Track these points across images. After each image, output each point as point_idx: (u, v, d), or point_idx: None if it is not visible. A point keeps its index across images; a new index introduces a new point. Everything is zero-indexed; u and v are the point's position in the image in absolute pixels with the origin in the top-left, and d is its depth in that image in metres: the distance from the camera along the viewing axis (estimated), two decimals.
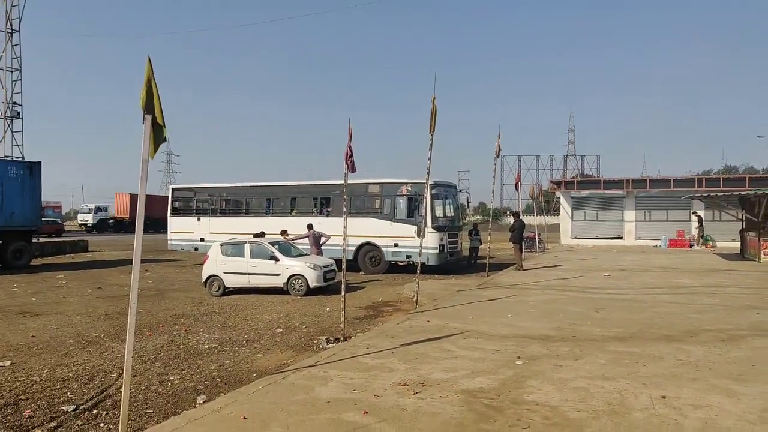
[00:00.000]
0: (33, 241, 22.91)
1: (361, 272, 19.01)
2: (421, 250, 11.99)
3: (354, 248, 18.83)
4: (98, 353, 8.37)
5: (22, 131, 48.53)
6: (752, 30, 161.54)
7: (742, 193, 22.50)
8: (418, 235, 14.78)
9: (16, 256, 21.53)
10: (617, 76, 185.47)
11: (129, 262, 4.83)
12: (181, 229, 23.18)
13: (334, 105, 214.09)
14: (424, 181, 12.04)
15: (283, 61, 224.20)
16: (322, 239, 16.58)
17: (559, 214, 36.23)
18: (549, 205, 56.79)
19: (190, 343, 9.00)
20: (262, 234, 16.36)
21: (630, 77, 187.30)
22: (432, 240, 17.98)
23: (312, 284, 13.92)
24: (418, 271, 11.87)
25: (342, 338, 8.54)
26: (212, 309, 12.20)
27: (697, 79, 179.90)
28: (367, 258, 19.25)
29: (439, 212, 19.34)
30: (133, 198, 56.61)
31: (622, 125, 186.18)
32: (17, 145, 48.11)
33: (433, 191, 18.42)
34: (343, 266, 9.31)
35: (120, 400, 4.84)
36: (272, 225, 18.79)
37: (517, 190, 23.84)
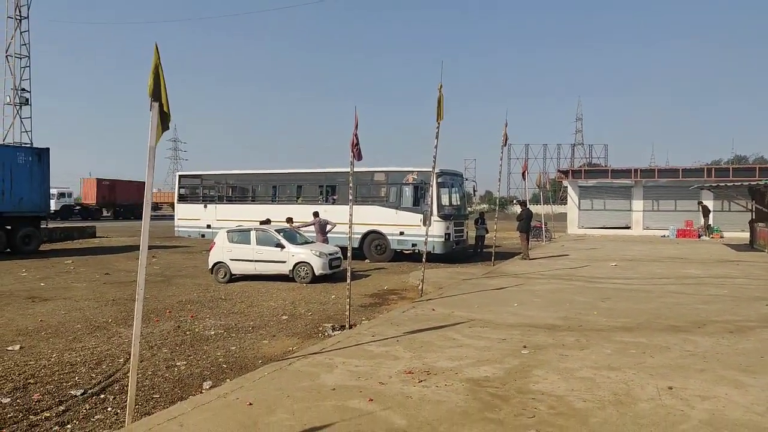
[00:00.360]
0: (42, 226, 23.05)
1: (367, 260, 19.05)
2: (426, 239, 11.94)
3: (360, 236, 18.84)
4: (106, 338, 8.43)
5: (30, 117, 48.74)
6: (763, 21, 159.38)
7: (752, 183, 22.31)
8: (424, 224, 14.67)
9: (25, 242, 21.68)
10: (626, 65, 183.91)
11: (136, 248, 4.86)
12: (188, 216, 23.27)
13: (340, 94, 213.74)
14: (431, 170, 11.98)
15: (288, 50, 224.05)
16: (328, 227, 16.64)
17: (566, 204, 36.08)
18: (556, 195, 56.58)
19: (197, 329, 9.06)
20: (268, 221, 16.42)
21: (639, 67, 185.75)
22: (438, 228, 17.98)
23: (317, 272, 13.97)
24: (423, 260, 11.85)
25: (347, 326, 8.57)
26: (218, 295, 12.27)
27: (706, 69, 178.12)
28: (372, 246, 19.28)
29: (445, 201, 19.32)
30: (101, 184, 55.25)
31: (631, 114, 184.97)
32: (26, 132, 48.35)
33: (440, 180, 18.38)
34: (349, 254, 9.31)
35: (127, 385, 4.88)
36: (278, 212, 18.86)
37: (524, 179, 23.75)
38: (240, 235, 14.80)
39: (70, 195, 56.52)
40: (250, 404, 4.91)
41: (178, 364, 7.13)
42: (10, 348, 7.80)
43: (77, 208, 55.41)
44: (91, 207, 55.13)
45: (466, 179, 22.20)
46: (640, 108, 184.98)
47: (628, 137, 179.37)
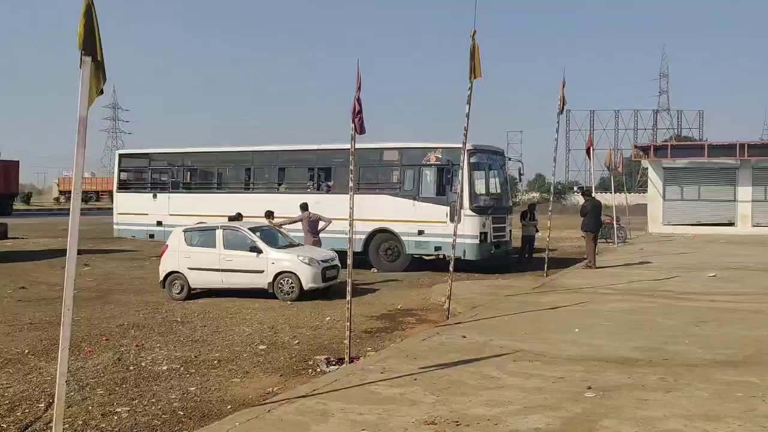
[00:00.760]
0: None
1: (373, 269, 19.06)
2: (455, 240, 11.76)
3: (364, 237, 18.81)
4: (21, 375, 8.42)
5: None
6: None
7: None
8: (452, 220, 14.62)
9: None
10: (725, 5, 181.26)
11: (61, 253, 4.84)
12: (132, 210, 23.24)
13: (337, 50, 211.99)
14: (460, 146, 11.87)
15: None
16: (321, 224, 16.59)
17: (646, 192, 35.79)
18: (632, 179, 56.20)
19: (144, 363, 9.01)
20: (239, 217, 16.38)
21: (743, 7, 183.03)
22: (471, 226, 17.79)
23: (306, 285, 13.92)
24: (451, 269, 11.64)
25: (347, 359, 8.50)
26: (173, 317, 12.23)
27: None
28: (381, 250, 19.24)
29: (480, 188, 19.17)
30: None
31: (734, 70, 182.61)
32: None
33: (473, 159, 18.20)
34: (349, 261, 9.14)
35: None
36: (253, 205, 18.68)
37: (588, 157, 23.53)
38: (202, 236, 14.78)
39: None
40: None
41: (118, 410, 7.11)
42: None
43: None
44: None
45: (509, 158, 22.07)
46: (748, 61, 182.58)
47: (731, 101, 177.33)
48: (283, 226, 16.45)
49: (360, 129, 8.93)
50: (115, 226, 23.93)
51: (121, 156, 25.22)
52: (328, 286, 14.44)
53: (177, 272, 14.47)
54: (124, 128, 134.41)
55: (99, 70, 4.81)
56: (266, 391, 7.73)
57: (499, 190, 20.43)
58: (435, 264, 19.14)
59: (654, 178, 33.12)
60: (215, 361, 9.16)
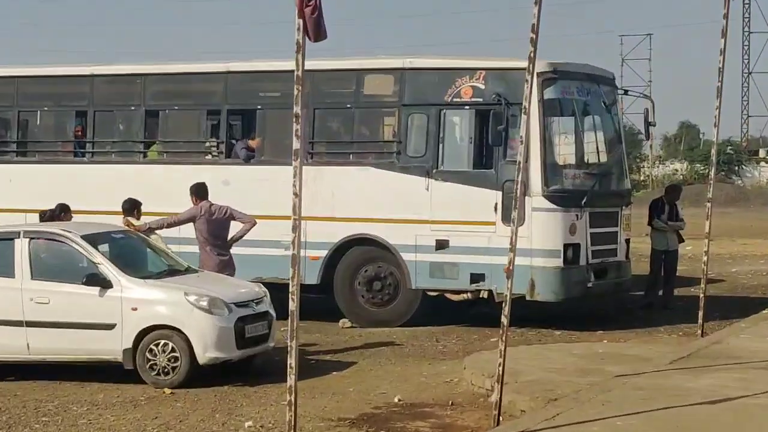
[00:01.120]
0: None
1: (344, 321, 12.14)
2: (513, 261, 6.20)
3: (325, 254, 11.83)
4: None
5: None
6: None
7: None
8: (506, 220, 8.79)
9: None
10: None
11: None
12: None
13: None
14: (523, 66, 6.36)
15: None
16: (234, 228, 10.34)
17: None
18: None
19: None
20: (62, 212, 10.45)
21: None
22: (546, 231, 10.99)
23: (206, 353, 8.62)
24: (505, 320, 6.45)
25: None
26: None
27: None
28: (360, 281, 11.97)
29: (565, 152, 12.00)
30: None
31: None
32: None
33: (550, 93, 11.02)
34: (292, 305, 5.09)
35: None
36: (93, 187, 11.98)
37: None
38: None
39: None
40: None
41: None
42: None
43: None
44: None
45: (626, 92, 14.88)
46: None
47: None
48: (158, 232, 10.44)
49: (315, 30, 5.21)
50: None
51: None
52: (248, 357, 9.12)
53: None
54: None
55: None
56: None
57: (605, 159, 12.52)
58: (470, 310, 12.30)
59: None
60: None
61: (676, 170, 45.08)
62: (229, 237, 10.05)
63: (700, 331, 10.34)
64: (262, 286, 9.44)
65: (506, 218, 9.13)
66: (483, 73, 11.09)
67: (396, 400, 8.01)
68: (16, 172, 13.06)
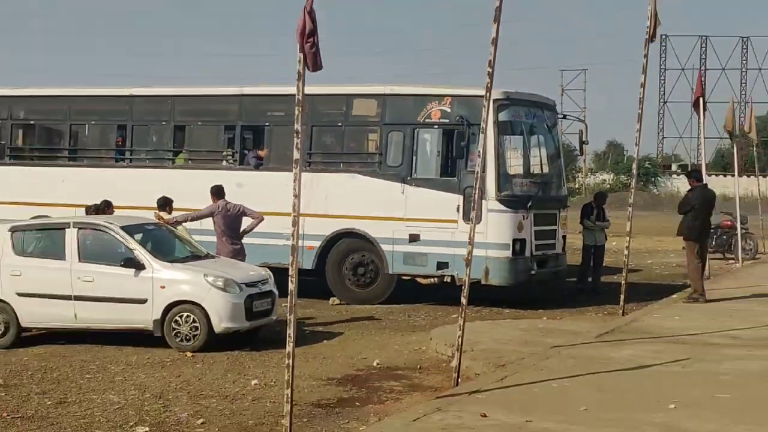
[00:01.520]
0: None
1: (333, 299, 12.59)
2: (471, 252, 6.75)
3: (318, 244, 12.25)
4: None
5: None
6: None
7: None
8: (467, 219, 9.19)
9: None
10: None
11: None
12: None
13: None
14: (482, 93, 6.85)
15: None
16: (245, 222, 10.82)
17: None
18: None
19: None
20: (104, 207, 10.88)
21: None
22: (499, 228, 11.41)
23: (220, 325, 9.01)
24: (463, 300, 6.93)
25: None
26: None
27: None
28: (347, 267, 12.31)
29: (515, 164, 12.43)
30: None
31: None
32: None
33: (504, 116, 11.67)
34: (291, 285, 5.24)
35: None
36: (130, 188, 12.35)
37: (698, 114, 15.23)
38: (42, 240, 10.07)
39: None
40: None
41: None
42: None
43: None
44: None
45: (564, 116, 15.30)
46: None
47: None
48: (183, 225, 10.83)
49: (313, 62, 5.58)
50: None
51: None
52: (255, 328, 9.49)
53: None
54: None
55: None
56: None
57: (547, 170, 13.24)
58: (436, 292, 12.78)
59: None
60: None
61: (604, 180, 51.17)
62: (241, 229, 10.53)
63: (621, 311, 10.94)
64: (267, 269, 9.85)
65: (466, 217, 9.62)
66: (449, 99, 11.83)
67: (375, 363, 8.46)
68: (68, 174, 13.73)
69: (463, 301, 6.78)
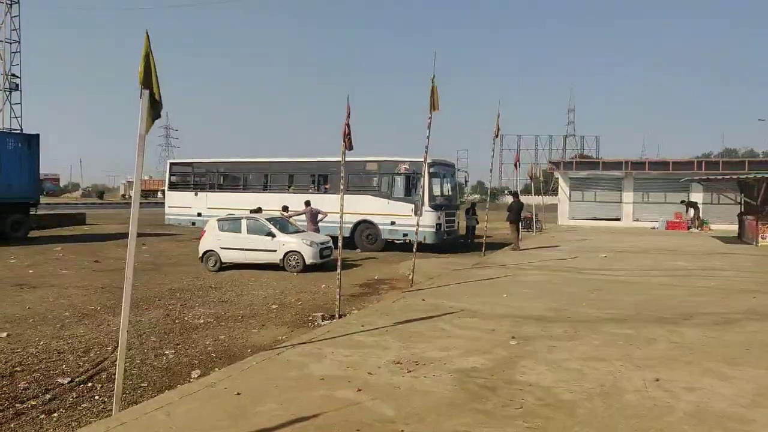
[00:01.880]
0: (31, 213, 22.85)
1: (358, 249, 18.99)
2: (418, 229, 11.92)
3: (351, 225, 18.77)
4: (94, 326, 8.38)
5: (20, 103, 48.21)
6: (757, 11, 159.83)
7: (741, 176, 22.43)
8: (416, 214, 14.45)
9: (13, 228, 21.49)
10: (619, 55, 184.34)
11: (126, 235, 4.83)
12: (179, 204, 23.10)
13: (334, 81, 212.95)
14: (423, 160, 11.96)
15: (285, 32, 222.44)
16: (319, 216, 16.55)
17: (557, 195, 36.14)
18: (547, 186, 56.52)
19: (186, 318, 9.01)
20: (259, 210, 16.29)
21: (632, 57, 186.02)
22: (429, 219, 17.98)
23: (308, 261, 13.89)
24: (414, 250, 11.79)
25: (337, 315, 8.54)
26: (208, 284, 12.19)
27: (698, 62, 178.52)
28: (363, 235, 19.22)
29: (436, 191, 19.28)
30: None
31: (623, 106, 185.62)
32: (15, 117, 47.82)
33: (432, 170, 18.34)
34: (339, 243, 9.28)
35: (115, 374, 4.84)
36: (270, 201, 18.76)
37: (515, 169, 23.76)
38: (231, 224, 14.66)
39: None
40: (239, 394, 4.89)
41: (166, 352, 7.10)
42: None
43: None
44: None
45: (458, 169, 22.25)
46: (632, 100, 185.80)
47: (619, 129, 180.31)
48: (292, 217, 16.39)
49: (349, 146, 9.04)
50: (166, 216, 23.75)
51: (171, 164, 25.02)
52: (323, 262, 14.36)
53: (212, 251, 14.38)
54: (174, 143, 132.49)
55: (156, 102, 4.76)
56: (277, 338, 7.74)
57: (450, 193, 20.50)
58: (403, 246, 19.05)
59: (563, 185, 33.48)
60: (239, 317, 9.15)
61: (475, 197, 67.25)
62: (317, 219, 16.50)
63: (483, 255, 17.02)
64: (329, 236, 15.03)
65: (416, 213, 14.62)
66: (408, 162, 18.31)
67: (375, 277, 13.08)
68: (242, 195, 21.17)
69: (414, 250, 11.41)
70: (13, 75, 47.55)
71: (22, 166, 21.03)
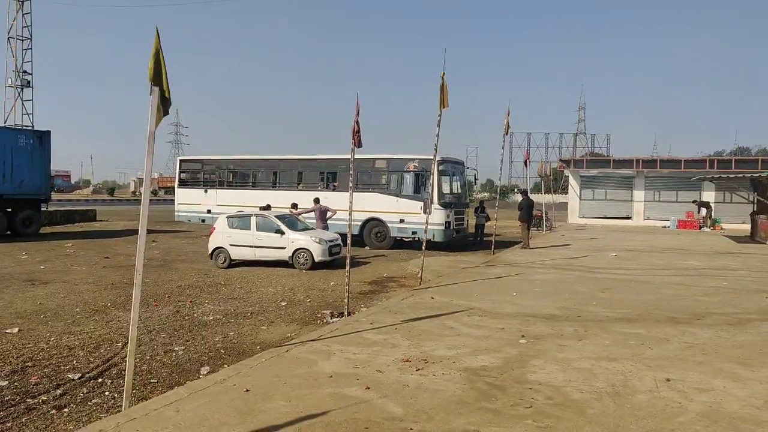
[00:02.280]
0: (42, 209, 23.03)
1: (367, 247, 19.00)
2: (426, 227, 11.91)
3: (360, 223, 18.78)
4: (104, 322, 8.43)
5: (32, 100, 48.65)
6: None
7: (754, 175, 22.21)
8: (425, 212, 14.40)
9: (25, 224, 21.67)
10: (631, 53, 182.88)
11: (136, 232, 4.85)
12: (189, 201, 23.23)
13: (344, 77, 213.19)
14: (432, 158, 11.94)
15: (292, 33, 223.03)
16: (328, 213, 16.52)
17: (567, 193, 35.99)
18: (558, 184, 56.43)
19: (195, 314, 9.03)
20: (268, 207, 16.28)
21: (643, 55, 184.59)
22: (438, 217, 17.88)
23: (317, 258, 13.91)
24: (423, 248, 11.78)
25: (346, 313, 8.54)
26: (218, 281, 12.23)
27: (711, 60, 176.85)
28: (372, 233, 19.20)
29: (446, 189, 19.23)
30: None
31: (634, 104, 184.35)
32: (27, 114, 48.26)
33: (441, 168, 18.31)
34: (348, 241, 9.28)
35: (125, 370, 4.87)
36: (279, 198, 18.73)
37: (525, 167, 23.66)
38: (240, 221, 14.69)
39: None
40: (247, 390, 4.90)
41: (176, 349, 7.12)
42: (8, 331, 7.80)
43: None
44: None
45: (468, 168, 22.11)
46: (645, 95, 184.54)
47: (631, 127, 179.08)
48: (301, 215, 16.39)
49: (358, 144, 9.06)
50: (176, 213, 23.89)
51: (181, 161, 25.15)
52: (333, 259, 14.38)
53: (221, 247, 14.42)
54: (184, 140, 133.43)
55: (166, 98, 4.77)
56: (286, 336, 7.75)
57: (459, 191, 20.42)
58: (411, 244, 19.03)
59: (573, 184, 33.31)
60: (248, 314, 9.18)
61: (485, 195, 69.18)
62: (326, 217, 16.45)
63: (492, 253, 16.86)
64: (338, 234, 15.07)
65: (425, 212, 14.58)
66: (417, 160, 18.04)
67: (384, 275, 13.01)
68: (251, 192, 21.13)
69: (423, 248, 11.41)
70: (25, 72, 47.94)
71: (33, 163, 21.19)
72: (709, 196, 29.33)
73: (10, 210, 21.20)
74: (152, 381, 5.97)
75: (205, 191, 22.87)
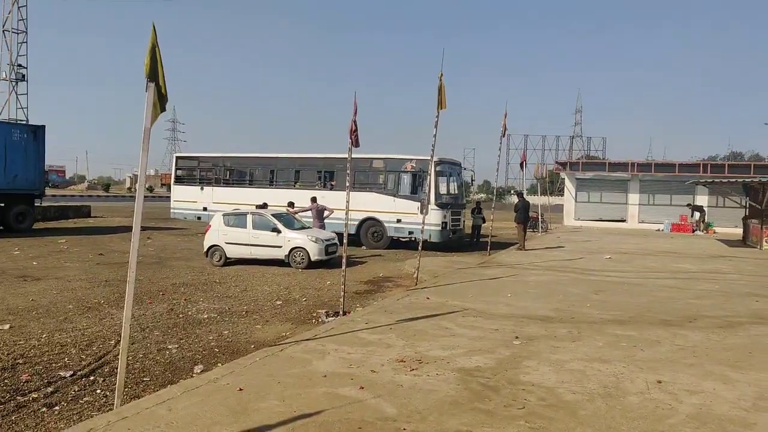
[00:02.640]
0: (36, 204, 22.92)
1: (363, 247, 18.99)
2: (423, 227, 11.90)
3: (356, 223, 18.75)
4: (97, 319, 8.41)
5: (26, 94, 48.43)
6: (760, 18, 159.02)
7: (747, 180, 22.32)
8: (421, 212, 14.32)
9: (18, 220, 21.56)
10: (625, 58, 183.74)
11: (131, 228, 4.83)
12: (184, 198, 23.14)
13: (341, 77, 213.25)
14: (429, 158, 11.93)
15: (290, 29, 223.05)
16: (325, 212, 16.46)
17: (563, 195, 36.08)
18: (553, 186, 56.61)
19: (190, 313, 9.01)
20: (264, 205, 16.25)
21: (638, 60, 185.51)
22: (435, 217, 17.88)
23: (313, 257, 13.88)
24: (419, 248, 11.82)
25: (341, 312, 8.53)
26: (213, 279, 12.20)
27: (706, 65, 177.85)
28: (369, 233, 19.18)
29: (443, 189, 19.23)
30: None
31: (629, 108, 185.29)
32: (21, 108, 48.05)
33: (438, 168, 18.31)
34: (345, 240, 9.25)
35: (117, 368, 4.85)
36: (276, 197, 18.73)
37: (522, 169, 23.68)
38: (236, 219, 14.66)
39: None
40: (241, 390, 4.90)
41: (169, 347, 7.11)
42: None
43: None
44: None
45: (465, 168, 22.16)
46: (640, 99, 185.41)
47: (626, 131, 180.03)
48: (297, 214, 16.36)
49: (355, 143, 9.06)
50: (171, 210, 23.79)
51: (177, 158, 25.07)
52: (329, 259, 14.34)
53: (217, 245, 14.37)
54: (181, 137, 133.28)
55: (162, 95, 4.75)
56: (281, 335, 7.74)
57: (456, 192, 20.39)
58: (408, 244, 19.01)
59: (569, 186, 33.40)
60: (243, 312, 9.15)
61: (481, 196, 68.17)
62: (323, 216, 16.33)
63: (488, 254, 16.90)
64: (334, 233, 14.93)
65: (421, 212, 14.50)
66: (414, 160, 18.09)
67: (380, 275, 13.03)
68: (248, 191, 21.06)
69: (419, 248, 11.45)
70: (20, 65, 47.71)
71: (27, 158, 21.09)
72: (702, 200, 29.49)
73: (3, 205, 21.09)
74: (145, 379, 5.95)
75: (201, 189, 22.80)
